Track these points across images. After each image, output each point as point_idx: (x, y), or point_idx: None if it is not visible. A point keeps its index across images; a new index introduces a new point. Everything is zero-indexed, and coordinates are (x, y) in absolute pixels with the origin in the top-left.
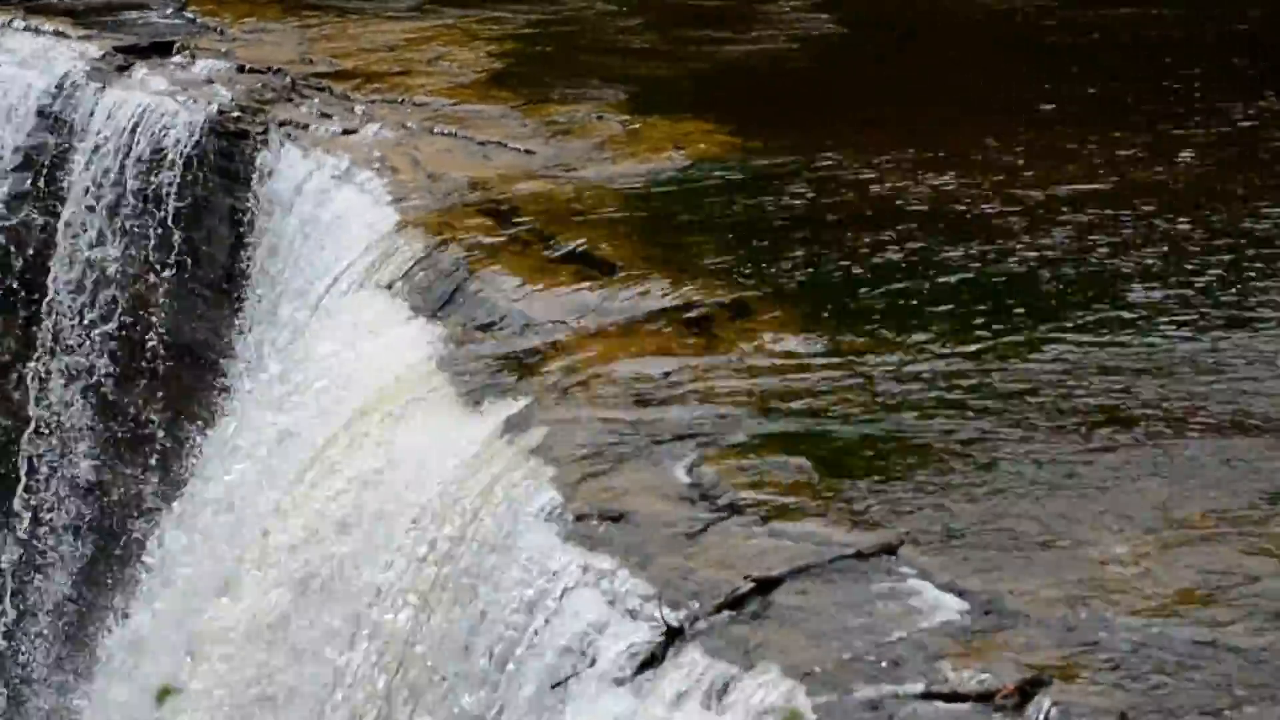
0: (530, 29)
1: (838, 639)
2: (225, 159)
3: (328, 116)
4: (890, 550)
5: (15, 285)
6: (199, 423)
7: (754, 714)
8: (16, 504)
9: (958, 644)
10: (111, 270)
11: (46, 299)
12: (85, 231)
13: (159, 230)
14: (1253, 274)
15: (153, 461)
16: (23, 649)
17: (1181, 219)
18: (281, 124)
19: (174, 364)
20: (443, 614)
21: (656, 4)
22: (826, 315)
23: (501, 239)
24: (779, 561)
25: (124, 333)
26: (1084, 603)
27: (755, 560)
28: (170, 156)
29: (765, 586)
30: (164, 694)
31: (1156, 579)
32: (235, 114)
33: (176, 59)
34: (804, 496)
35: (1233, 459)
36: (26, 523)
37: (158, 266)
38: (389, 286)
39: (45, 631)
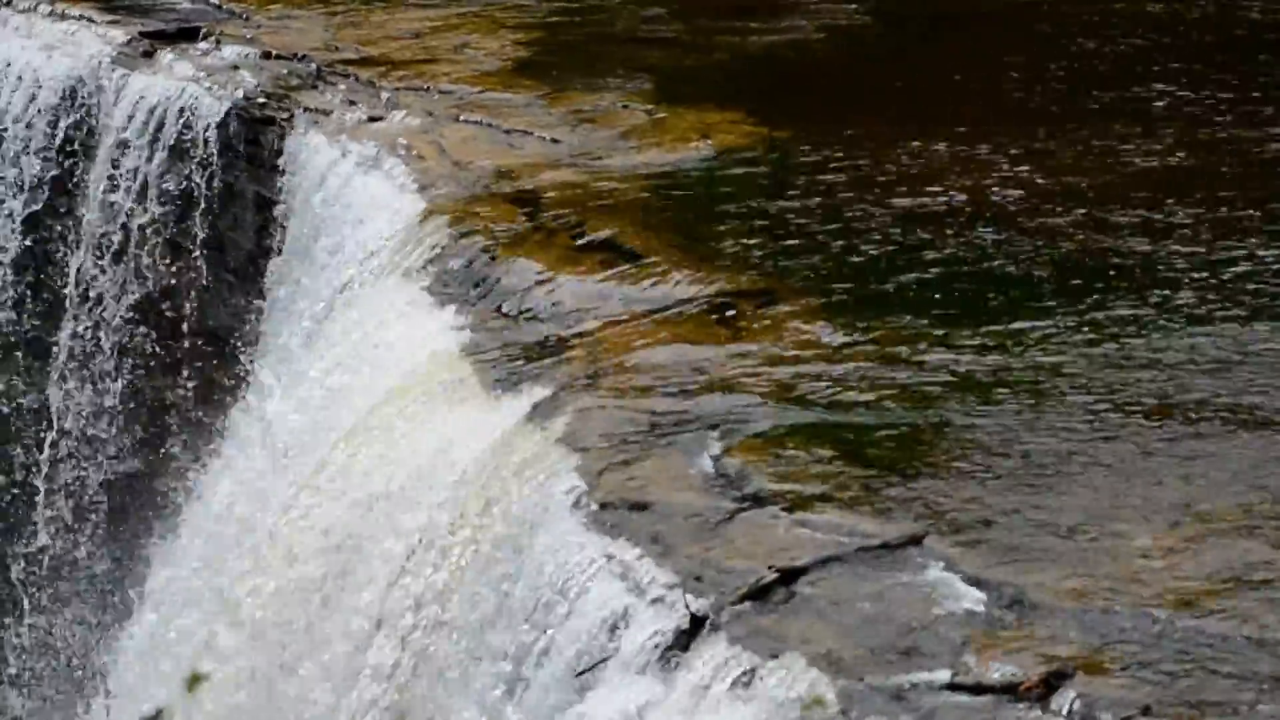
0: (555, 17)
1: (862, 629)
2: (251, 145)
3: (353, 104)
4: (915, 541)
5: (41, 270)
6: (221, 409)
7: (778, 703)
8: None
9: (982, 635)
10: (136, 256)
11: (71, 284)
12: (109, 218)
13: (184, 216)
14: None
15: (175, 448)
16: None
17: (1215, 213)
18: (307, 111)
19: (198, 350)
20: (465, 603)
21: None
22: (852, 305)
23: (527, 227)
24: (803, 551)
25: (148, 318)
26: (1109, 595)
27: (780, 550)
28: (196, 143)
29: (789, 576)
30: (194, 681)
31: (1182, 572)
32: (261, 100)
33: (202, 45)
34: (829, 486)
35: (1260, 453)
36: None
37: (182, 253)
38: (414, 274)
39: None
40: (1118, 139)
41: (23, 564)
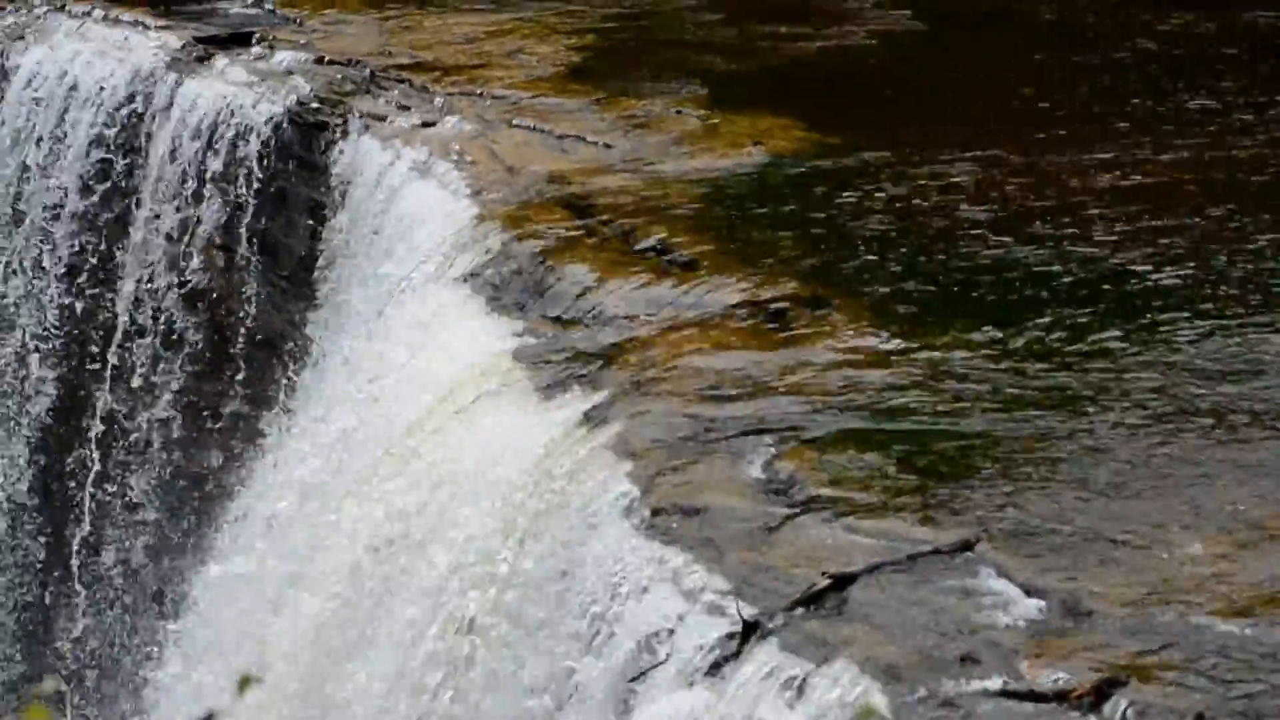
0: (607, 23)
1: (914, 636)
2: (304, 150)
3: (406, 109)
4: (967, 547)
5: (93, 274)
6: (273, 413)
7: (830, 710)
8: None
9: (1034, 642)
10: (188, 262)
11: (122, 289)
12: (162, 221)
13: (237, 221)
14: None
15: (226, 454)
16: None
17: (1262, 221)
18: (360, 116)
19: (250, 354)
20: (516, 610)
21: None
22: (904, 312)
23: (579, 232)
24: (855, 558)
25: (200, 322)
26: (1161, 602)
27: (832, 556)
28: (249, 147)
29: (842, 583)
30: (244, 684)
31: (1233, 579)
32: (314, 105)
33: (256, 50)
34: (880, 493)
35: None
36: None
37: (235, 258)
38: (467, 279)
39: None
40: (1172, 145)
41: None
